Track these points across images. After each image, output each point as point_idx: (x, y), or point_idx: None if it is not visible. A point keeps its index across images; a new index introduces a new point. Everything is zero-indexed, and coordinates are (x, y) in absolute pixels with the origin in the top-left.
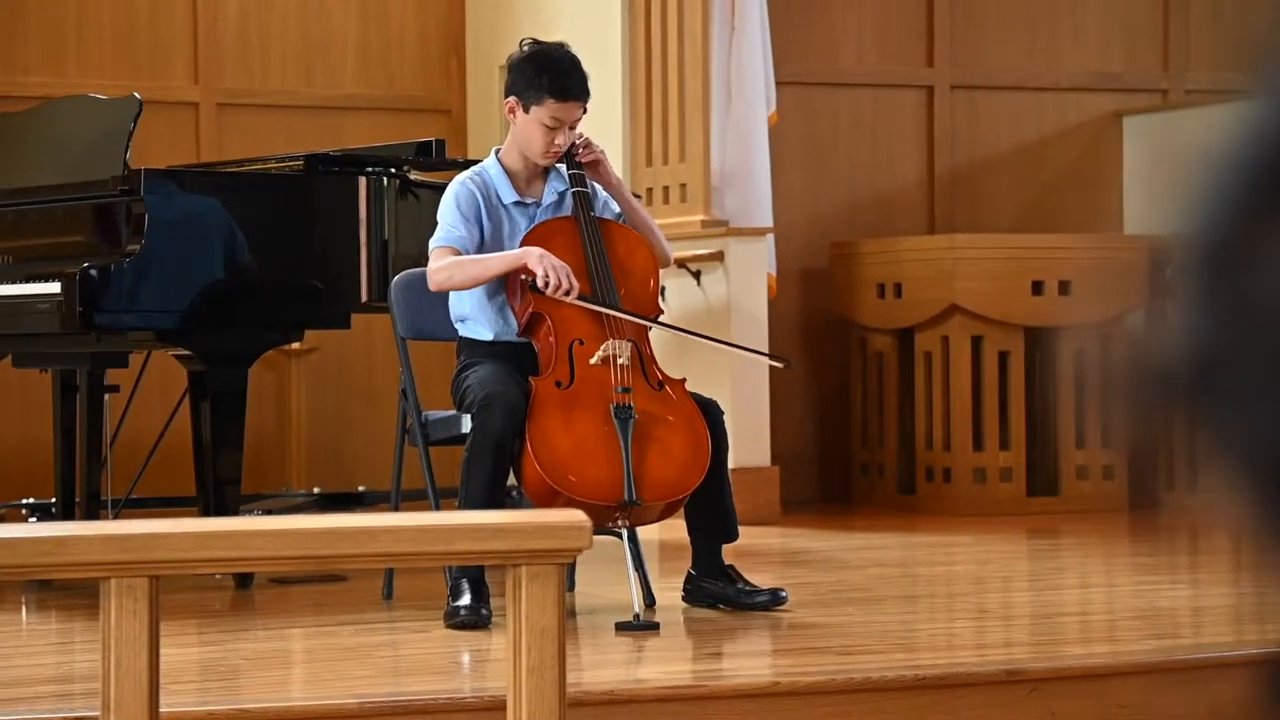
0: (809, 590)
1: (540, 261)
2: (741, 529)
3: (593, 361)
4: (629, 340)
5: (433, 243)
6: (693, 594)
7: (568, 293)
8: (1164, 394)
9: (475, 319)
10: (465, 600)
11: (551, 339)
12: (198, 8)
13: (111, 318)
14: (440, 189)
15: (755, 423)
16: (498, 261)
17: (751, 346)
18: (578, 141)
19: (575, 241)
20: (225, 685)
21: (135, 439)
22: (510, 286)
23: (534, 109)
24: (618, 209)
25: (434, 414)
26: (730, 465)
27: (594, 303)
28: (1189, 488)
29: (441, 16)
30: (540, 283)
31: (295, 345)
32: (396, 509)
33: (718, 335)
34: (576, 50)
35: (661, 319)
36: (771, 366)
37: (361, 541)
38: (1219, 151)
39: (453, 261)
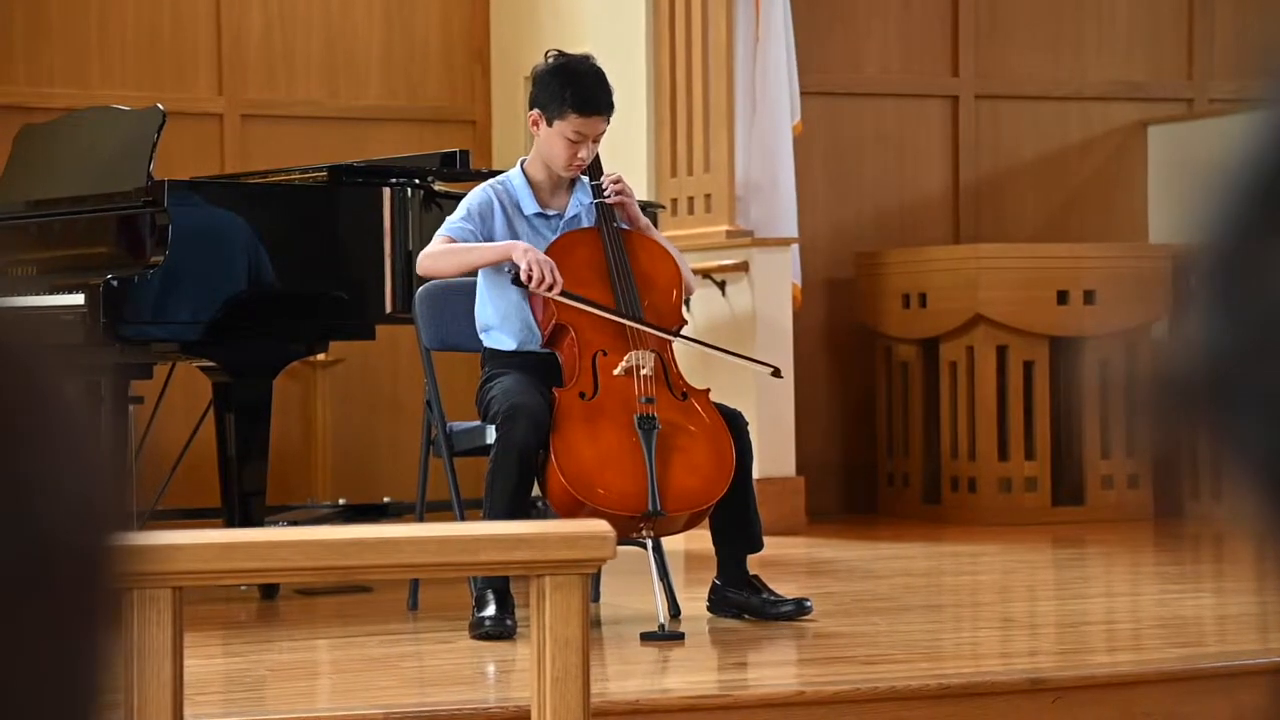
0: (834, 600)
1: (524, 255)
2: (767, 539)
3: (616, 372)
4: (652, 351)
5: (438, 231)
6: (717, 604)
7: (550, 288)
8: (1183, 403)
9: (500, 329)
10: (490, 611)
11: (575, 350)
12: (221, 19)
13: (135, 329)
14: None
15: (780, 433)
16: (483, 252)
17: (739, 352)
18: (611, 184)
19: (598, 253)
20: (250, 696)
21: (160, 450)
22: (534, 299)
23: (557, 122)
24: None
25: (458, 425)
26: (755, 475)
27: (585, 304)
28: (1213, 497)
29: (465, 27)
30: (524, 276)
31: (320, 356)
32: (421, 520)
33: (742, 346)
34: (601, 61)
35: (685, 330)
36: (762, 371)
37: (385, 552)
38: (1233, 159)
39: (442, 249)
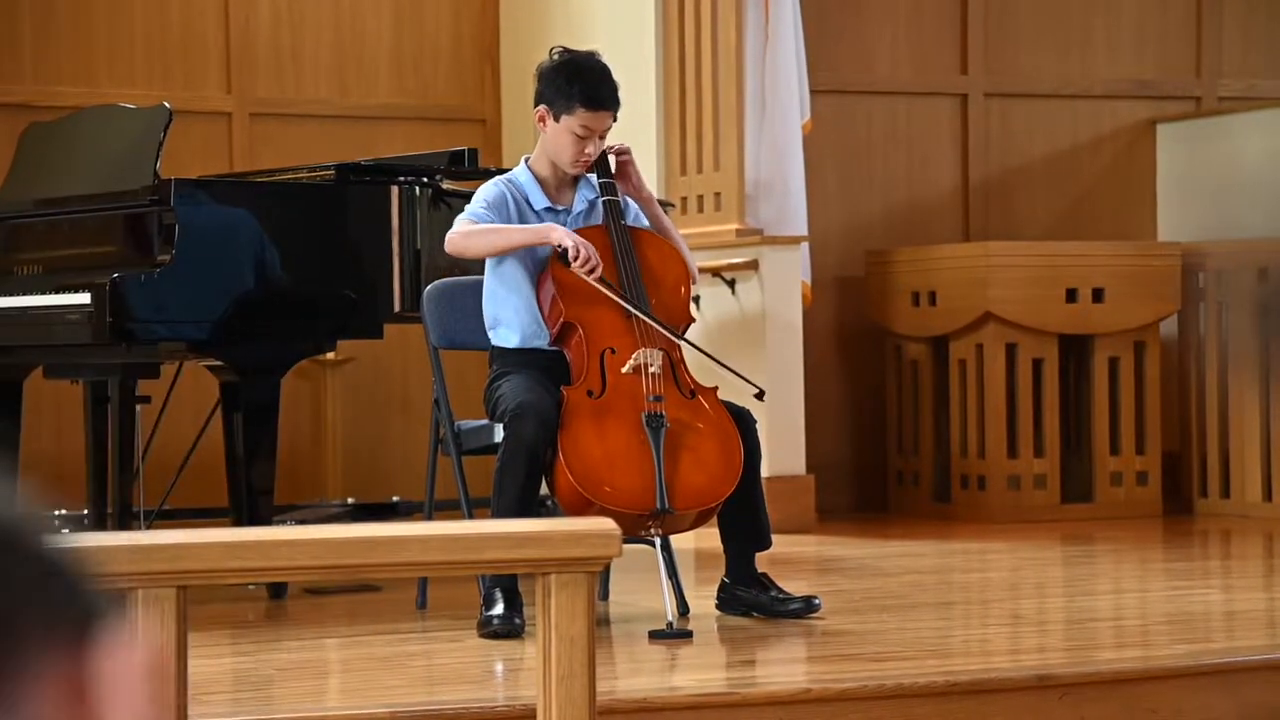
0: (843, 598)
1: (568, 235)
2: (777, 537)
3: (624, 370)
4: (660, 349)
5: (458, 219)
6: (726, 602)
7: (593, 270)
8: None
9: (508, 325)
10: (498, 609)
11: (583, 348)
12: (230, 17)
13: (142, 328)
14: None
15: (790, 431)
16: (519, 233)
17: (735, 369)
18: (614, 154)
19: (606, 250)
20: (258, 695)
21: (168, 450)
22: (542, 295)
23: (564, 118)
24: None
25: (467, 423)
26: (765, 473)
27: (616, 294)
28: (1221, 494)
29: (475, 25)
30: (571, 255)
31: (329, 355)
32: (430, 519)
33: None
34: (610, 59)
35: (693, 327)
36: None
37: (393, 551)
38: None
39: (475, 228)
